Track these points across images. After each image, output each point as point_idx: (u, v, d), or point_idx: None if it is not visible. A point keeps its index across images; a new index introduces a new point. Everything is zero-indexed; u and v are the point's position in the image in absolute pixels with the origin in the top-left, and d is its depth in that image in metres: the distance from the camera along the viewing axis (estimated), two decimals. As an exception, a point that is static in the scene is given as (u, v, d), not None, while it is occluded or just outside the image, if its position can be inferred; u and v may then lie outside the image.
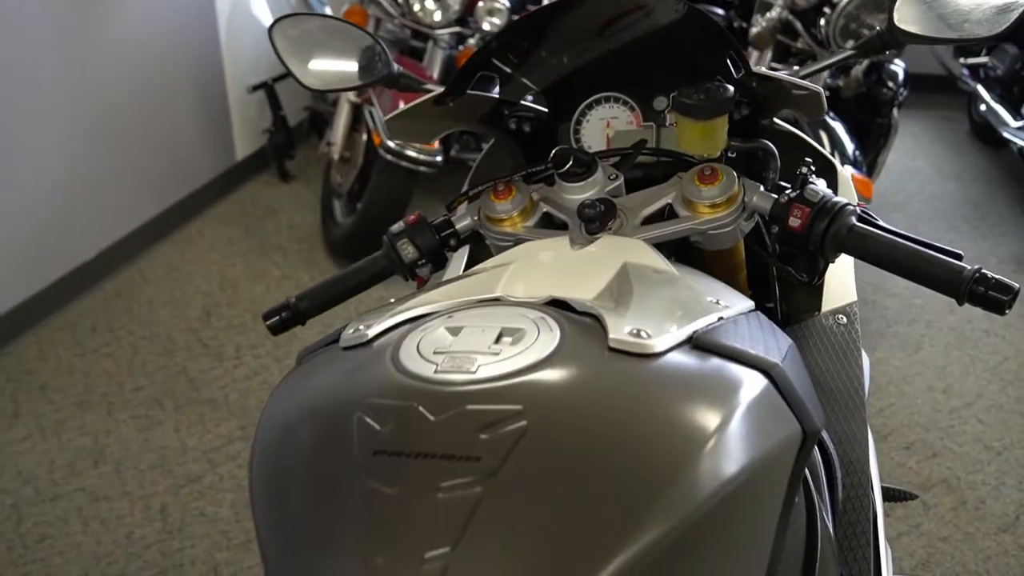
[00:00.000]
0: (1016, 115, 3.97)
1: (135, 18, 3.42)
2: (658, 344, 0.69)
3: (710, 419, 0.64)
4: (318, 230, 3.70)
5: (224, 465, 2.46)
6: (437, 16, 3.36)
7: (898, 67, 3.20)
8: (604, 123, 1.21)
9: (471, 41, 3.43)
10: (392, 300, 0.93)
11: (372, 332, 0.77)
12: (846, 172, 1.23)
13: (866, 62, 3.10)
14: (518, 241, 1.08)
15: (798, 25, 3.00)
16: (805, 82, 1.02)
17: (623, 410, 0.64)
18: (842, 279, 1.13)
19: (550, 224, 1.11)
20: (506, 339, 0.71)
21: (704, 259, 1.12)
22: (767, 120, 1.18)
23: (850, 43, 2.87)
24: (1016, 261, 3.49)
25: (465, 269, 1.33)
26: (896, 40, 1.11)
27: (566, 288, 0.84)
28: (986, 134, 4.52)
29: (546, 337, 0.70)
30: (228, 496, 2.35)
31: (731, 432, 0.63)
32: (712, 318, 0.77)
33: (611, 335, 0.70)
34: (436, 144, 3.21)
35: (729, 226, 1.03)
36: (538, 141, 1.25)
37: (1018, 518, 2.29)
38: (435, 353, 0.70)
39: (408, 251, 1.11)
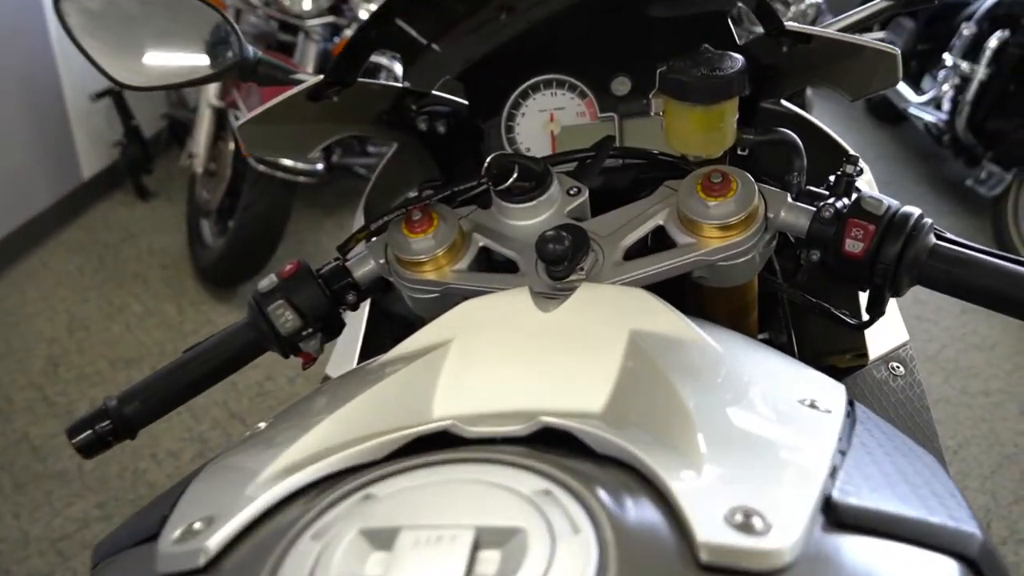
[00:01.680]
0: (917, 90, 3.88)
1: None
2: (784, 537, 0.36)
3: None
4: (185, 254, 3.24)
5: (78, 556, 2.01)
6: (307, 4, 2.96)
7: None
8: (546, 116, 0.90)
9: (348, 32, 3.04)
10: (260, 425, 0.58)
11: (214, 542, 0.40)
12: (868, 172, 0.95)
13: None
14: (447, 294, 0.74)
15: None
16: (876, 42, 0.72)
17: None
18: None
19: (490, 266, 0.78)
20: (487, 556, 0.36)
21: (702, 299, 0.81)
22: (771, 101, 0.88)
23: None
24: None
25: (368, 331, 0.98)
26: None
27: (555, 393, 0.51)
28: (883, 111, 4.45)
29: (570, 548, 0.36)
30: (86, 598, 1.92)
31: None
32: (828, 446, 0.45)
33: (697, 532, 0.36)
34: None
35: (748, 254, 0.73)
36: (457, 146, 0.90)
37: (988, 524, 2.11)
38: None
39: (286, 318, 0.76)
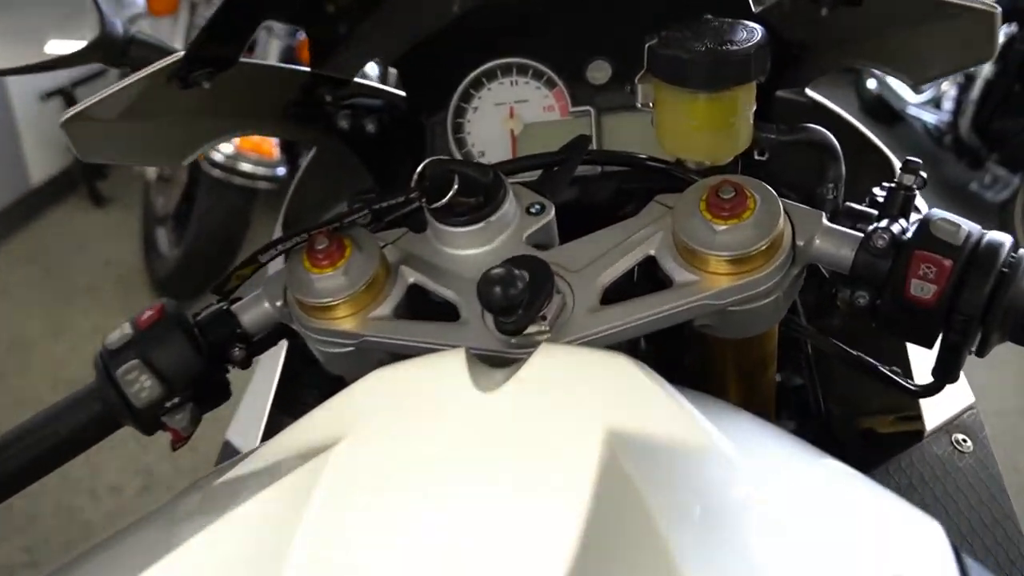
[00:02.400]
0: (915, 88, 3.71)
1: None
2: None
3: None
4: (141, 264, 3.02)
5: (0, 611, 1.80)
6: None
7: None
8: (504, 111, 0.76)
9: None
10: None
11: None
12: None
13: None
14: (363, 349, 0.55)
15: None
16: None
17: None
18: None
19: (423, 308, 0.58)
20: None
21: (706, 350, 0.62)
22: (792, 89, 0.69)
23: None
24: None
25: (286, 380, 0.79)
26: None
27: (483, 557, 0.31)
28: (877, 111, 4.28)
29: None
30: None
31: None
32: None
33: None
34: (275, 152, 2.61)
35: (769, 295, 0.54)
36: (393, 148, 0.71)
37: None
38: None
39: (141, 384, 0.57)
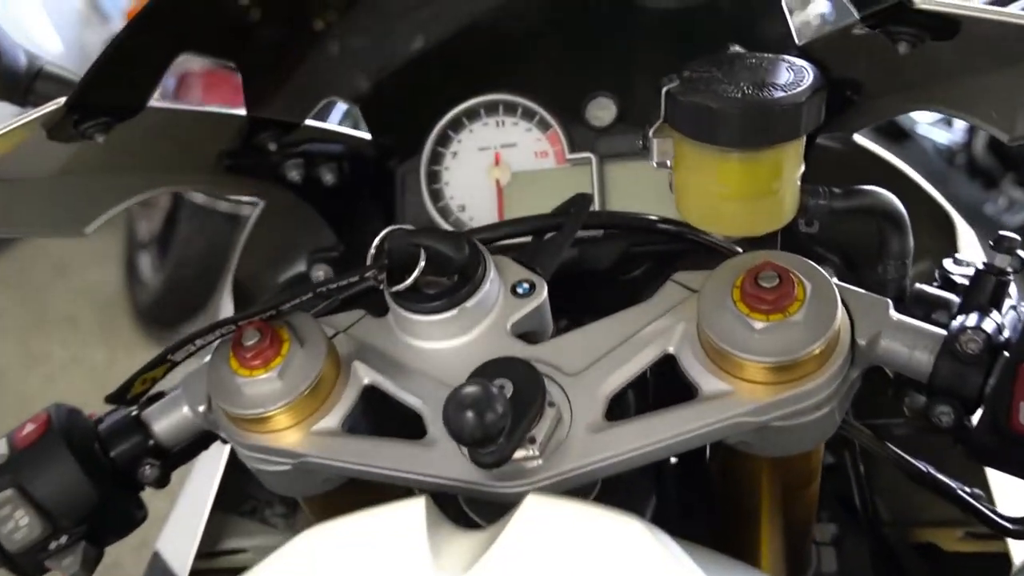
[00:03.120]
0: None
1: None
2: None
3: None
4: (123, 292, 2.90)
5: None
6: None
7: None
8: (489, 158, 0.64)
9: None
10: None
11: None
12: (968, 232, 0.63)
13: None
14: (301, 473, 0.44)
15: None
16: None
17: None
18: None
19: (382, 413, 0.47)
20: None
21: (736, 465, 0.50)
22: (835, 136, 0.57)
23: None
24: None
25: (230, 465, 0.67)
26: None
27: None
28: (884, 128, 4.17)
29: None
30: None
31: None
32: None
33: None
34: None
35: (821, 408, 0.42)
36: (356, 198, 0.60)
37: None
38: None
39: (16, 523, 0.44)
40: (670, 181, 0.48)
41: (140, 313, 2.78)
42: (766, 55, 0.45)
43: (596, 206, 0.60)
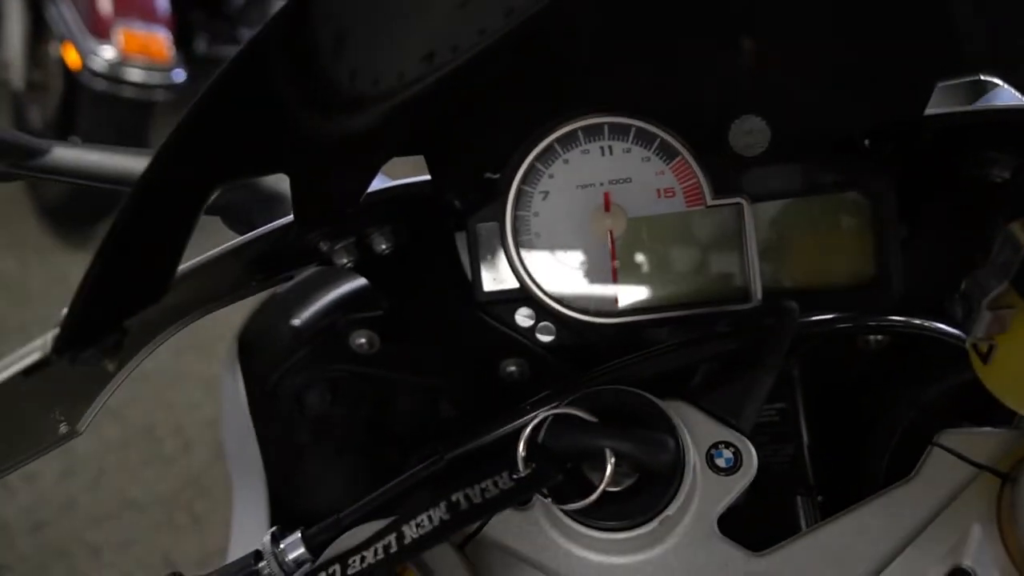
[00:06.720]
0: None
1: None
2: None
3: None
4: (24, 190, 2.60)
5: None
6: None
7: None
8: (595, 197, 0.47)
9: None
10: None
11: None
12: None
13: None
14: None
15: None
16: None
17: None
18: None
19: None
20: None
21: None
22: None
23: None
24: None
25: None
26: None
27: None
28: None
29: None
30: None
31: None
32: None
33: None
34: (168, 54, 2.19)
35: None
36: (416, 261, 0.42)
37: None
38: None
39: None
40: (989, 353, 0.33)
41: (46, 213, 2.50)
42: None
43: (746, 268, 0.44)
